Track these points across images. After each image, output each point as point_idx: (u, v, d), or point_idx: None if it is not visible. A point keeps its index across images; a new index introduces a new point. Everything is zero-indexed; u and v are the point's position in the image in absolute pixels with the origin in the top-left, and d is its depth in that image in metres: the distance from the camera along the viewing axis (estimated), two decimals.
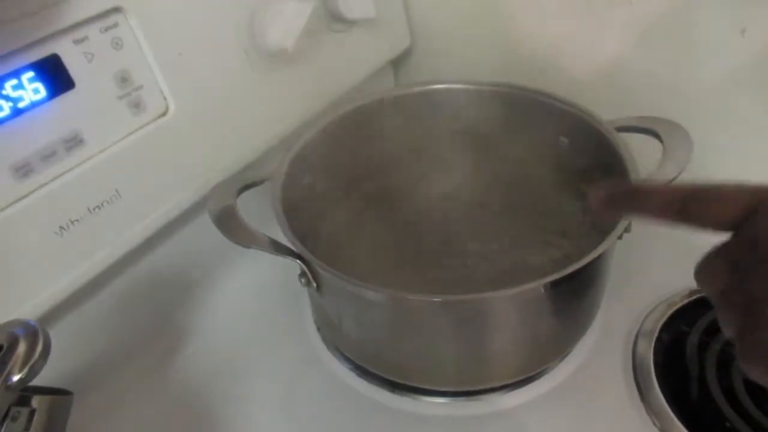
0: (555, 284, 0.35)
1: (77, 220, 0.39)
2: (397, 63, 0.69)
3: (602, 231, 0.43)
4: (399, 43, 0.63)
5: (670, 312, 0.46)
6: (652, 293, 0.48)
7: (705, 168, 0.54)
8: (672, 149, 0.42)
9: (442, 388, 0.42)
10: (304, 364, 0.46)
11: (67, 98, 0.37)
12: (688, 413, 0.40)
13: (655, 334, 0.45)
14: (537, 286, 0.35)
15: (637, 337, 0.45)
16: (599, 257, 0.36)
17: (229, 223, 0.38)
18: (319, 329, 0.48)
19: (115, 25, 0.39)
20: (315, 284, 0.38)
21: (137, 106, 0.41)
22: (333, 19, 0.53)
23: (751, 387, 0.40)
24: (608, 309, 0.47)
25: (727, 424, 0.38)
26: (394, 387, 0.43)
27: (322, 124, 0.47)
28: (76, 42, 0.37)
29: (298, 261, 0.37)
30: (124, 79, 0.40)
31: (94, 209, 0.39)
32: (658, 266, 0.51)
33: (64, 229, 0.38)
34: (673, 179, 0.40)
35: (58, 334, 0.41)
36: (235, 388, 0.45)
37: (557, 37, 0.59)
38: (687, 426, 0.39)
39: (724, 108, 0.54)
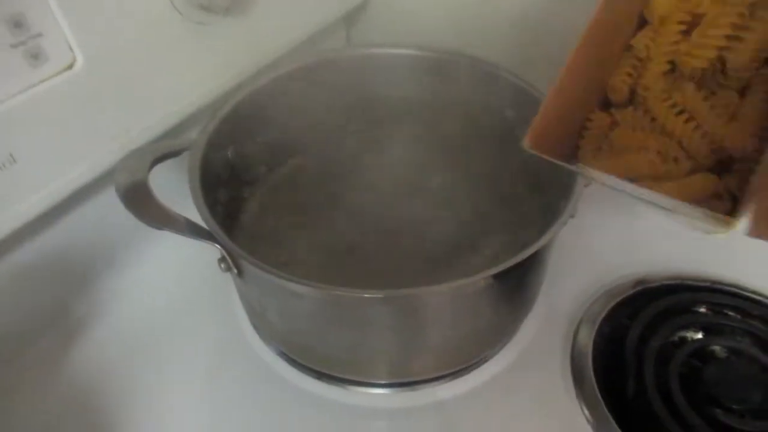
0: (495, 277, 0.33)
1: None
2: (350, 21, 0.64)
3: (548, 207, 0.41)
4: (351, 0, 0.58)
5: (612, 303, 0.45)
6: (595, 281, 0.47)
7: None
8: None
9: (372, 380, 0.40)
10: (229, 347, 0.43)
11: None
12: (622, 408, 0.39)
13: (596, 325, 0.43)
14: (476, 280, 0.33)
15: (578, 327, 0.44)
16: (543, 246, 0.34)
17: (139, 200, 0.34)
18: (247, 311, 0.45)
19: None
20: (236, 270, 0.35)
21: (36, 57, 0.36)
22: None
23: (687, 388, 0.39)
24: (550, 296, 0.45)
25: (659, 423, 0.37)
26: (322, 375, 0.41)
27: (253, 87, 0.43)
28: None
29: (216, 245, 0.33)
30: (18, 24, 0.34)
31: None
32: (602, 253, 0.49)
33: None
34: None
35: None
36: (150, 372, 0.42)
37: (519, 4, 0.55)
38: (618, 421, 0.38)
39: None
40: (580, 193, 0.35)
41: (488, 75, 0.46)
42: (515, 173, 0.45)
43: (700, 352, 0.42)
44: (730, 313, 0.44)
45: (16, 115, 0.35)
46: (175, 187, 0.37)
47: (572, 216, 0.36)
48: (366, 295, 0.31)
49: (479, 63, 0.46)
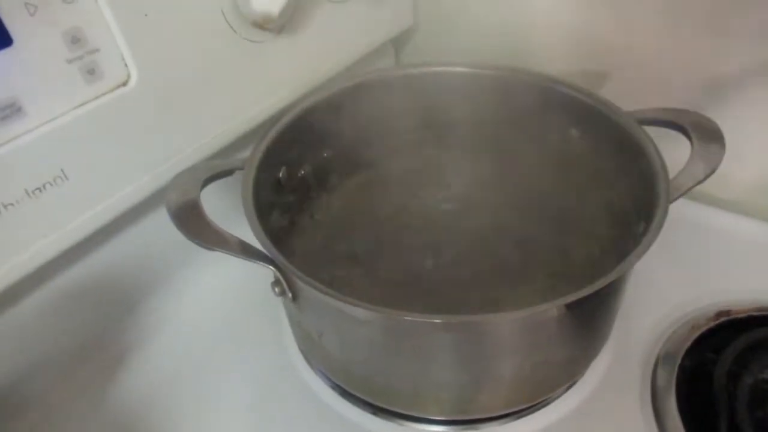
0: (569, 306, 0.30)
1: (12, 204, 0.32)
2: (399, 43, 0.63)
3: (621, 231, 0.38)
4: (401, 21, 0.57)
5: (695, 335, 0.41)
6: (673, 312, 0.43)
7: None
8: (702, 147, 0.37)
9: (433, 416, 0.37)
10: (278, 378, 0.41)
11: (2, 57, 0.31)
12: None
13: (678, 360, 0.39)
14: (549, 308, 0.30)
15: (657, 362, 0.40)
16: (622, 275, 0.31)
17: (190, 220, 0.32)
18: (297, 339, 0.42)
19: None
20: (290, 294, 0.32)
21: (92, 72, 0.35)
22: None
23: None
24: (624, 328, 0.41)
25: None
26: (378, 410, 0.38)
27: (306, 106, 0.41)
28: None
29: (270, 267, 0.31)
30: (75, 39, 0.34)
31: (33, 192, 0.33)
32: (680, 281, 0.45)
33: None
34: (703, 180, 0.35)
35: None
36: (196, 401, 0.40)
37: (575, 20, 0.53)
38: None
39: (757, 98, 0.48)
40: (665, 217, 0.32)
41: (549, 91, 0.43)
42: (582, 192, 0.42)
43: None
44: None
45: (69, 131, 0.34)
46: (225, 208, 0.35)
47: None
48: (436, 321, 0.28)
49: (539, 78, 0.44)
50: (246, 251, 0.32)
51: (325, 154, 0.43)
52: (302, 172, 0.43)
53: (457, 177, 0.45)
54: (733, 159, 0.50)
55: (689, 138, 0.38)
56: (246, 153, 0.39)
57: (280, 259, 0.30)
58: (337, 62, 0.50)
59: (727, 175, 0.51)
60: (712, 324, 0.41)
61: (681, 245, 0.48)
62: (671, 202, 0.33)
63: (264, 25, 0.42)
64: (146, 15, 0.36)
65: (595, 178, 0.42)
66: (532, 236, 0.41)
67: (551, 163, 0.44)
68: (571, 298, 0.30)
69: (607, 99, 0.41)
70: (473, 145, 0.46)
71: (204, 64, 0.40)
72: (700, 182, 0.35)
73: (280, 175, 0.41)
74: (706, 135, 0.37)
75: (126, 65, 0.36)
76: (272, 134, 0.40)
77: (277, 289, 0.33)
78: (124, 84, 0.36)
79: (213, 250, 0.32)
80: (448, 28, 0.60)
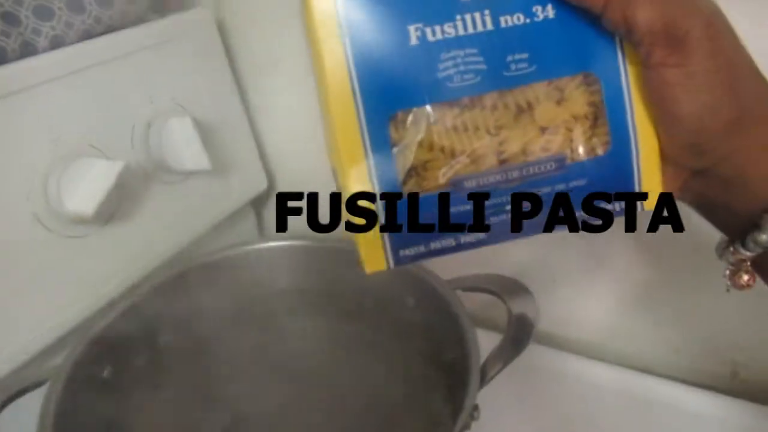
0: None
1: None
2: (259, 204, 0.64)
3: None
4: (253, 187, 0.58)
5: None
6: None
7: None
8: (517, 312, 0.38)
9: None
10: None
11: None
12: None
13: None
14: None
15: None
16: None
17: None
18: None
19: None
20: None
21: None
22: (163, 170, 0.47)
23: None
24: None
25: None
26: None
27: (129, 302, 0.40)
28: None
29: None
30: None
31: None
32: None
33: None
34: (514, 358, 0.36)
35: None
36: None
37: None
38: None
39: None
40: (472, 403, 0.32)
41: None
42: (417, 363, 0.43)
43: None
44: None
45: None
46: None
47: (475, 418, 0.33)
48: None
49: None
50: None
51: (155, 349, 0.41)
52: (131, 368, 0.41)
53: (294, 355, 0.44)
54: (579, 303, 0.53)
55: (505, 304, 0.39)
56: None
57: None
58: (180, 241, 0.49)
59: (576, 318, 0.54)
60: None
61: (534, 392, 0.48)
62: (487, 382, 0.34)
63: (84, 220, 0.41)
64: None
65: (429, 348, 0.42)
66: (368, 412, 0.40)
67: (388, 333, 0.44)
68: None
69: (430, 269, 0.42)
70: (308, 320, 0.46)
71: (17, 267, 0.39)
72: (512, 359, 0.36)
73: (105, 375, 0.39)
74: (521, 301, 0.39)
75: None
76: (91, 335, 0.39)
77: None
78: None
79: None
80: (303, 186, 0.62)
